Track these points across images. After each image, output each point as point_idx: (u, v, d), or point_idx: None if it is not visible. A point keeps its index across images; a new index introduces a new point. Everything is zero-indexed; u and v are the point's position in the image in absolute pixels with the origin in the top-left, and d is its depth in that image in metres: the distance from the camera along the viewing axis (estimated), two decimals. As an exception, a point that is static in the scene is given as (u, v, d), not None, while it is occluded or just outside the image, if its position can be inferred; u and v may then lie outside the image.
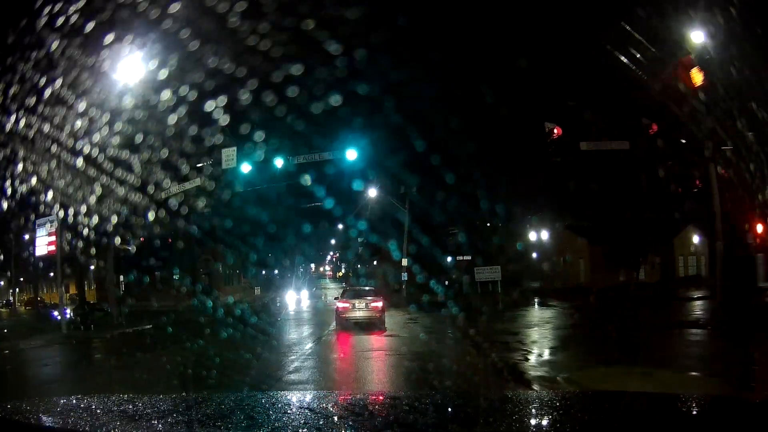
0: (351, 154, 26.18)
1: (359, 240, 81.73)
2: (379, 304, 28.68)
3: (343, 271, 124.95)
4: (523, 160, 50.56)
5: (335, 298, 33.39)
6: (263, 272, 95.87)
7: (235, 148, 26.05)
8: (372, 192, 54.17)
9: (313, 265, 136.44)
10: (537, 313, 35.50)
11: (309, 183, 36.64)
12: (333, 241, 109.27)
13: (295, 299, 63.15)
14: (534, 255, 61.06)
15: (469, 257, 53.50)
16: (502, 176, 53.53)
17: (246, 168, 27.44)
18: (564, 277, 58.69)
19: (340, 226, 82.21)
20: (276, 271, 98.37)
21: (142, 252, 51.77)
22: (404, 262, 53.24)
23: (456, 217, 56.41)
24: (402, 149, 51.77)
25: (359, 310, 28.43)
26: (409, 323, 30.46)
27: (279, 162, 27.46)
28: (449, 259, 57.97)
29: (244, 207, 51.24)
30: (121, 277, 56.42)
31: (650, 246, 52.87)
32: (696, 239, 60.50)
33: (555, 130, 22.53)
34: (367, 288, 33.95)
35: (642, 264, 53.17)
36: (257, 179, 31.91)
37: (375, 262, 77.33)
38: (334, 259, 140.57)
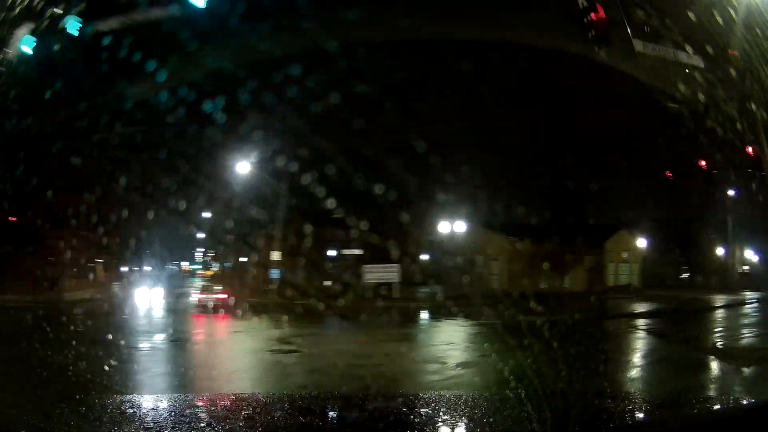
0: (199, -1, 13.93)
1: (229, 236, 72.17)
2: (224, 296, 37.29)
3: (212, 269, 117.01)
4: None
5: (197, 292, 42.09)
6: (128, 267, 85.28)
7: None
8: (244, 167, 45.41)
9: (186, 264, 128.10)
10: (465, 333, 25.93)
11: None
12: (202, 235, 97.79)
13: (148, 299, 55.18)
14: (440, 254, 52.53)
15: (360, 251, 47.18)
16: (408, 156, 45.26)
17: (27, 47, 14.16)
18: (476, 281, 51.05)
19: (208, 215, 70.94)
20: (149, 268, 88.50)
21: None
22: (275, 255, 46.90)
23: (346, 203, 47.34)
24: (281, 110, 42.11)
25: (210, 300, 36.44)
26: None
27: (71, 27, 14.09)
28: (334, 253, 51.85)
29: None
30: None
31: (582, 249, 49.22)
32: (631, 244, 56.92)
33: (596, 8, 15.96)
34: (218, 287, 42.01)
35: (571, 269, 48.67)
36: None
37: (246, 259, 66.23)
38: (205, 257, 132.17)
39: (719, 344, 21.71)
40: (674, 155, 46.22)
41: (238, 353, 19.95)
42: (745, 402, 4.46)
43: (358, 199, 43.01)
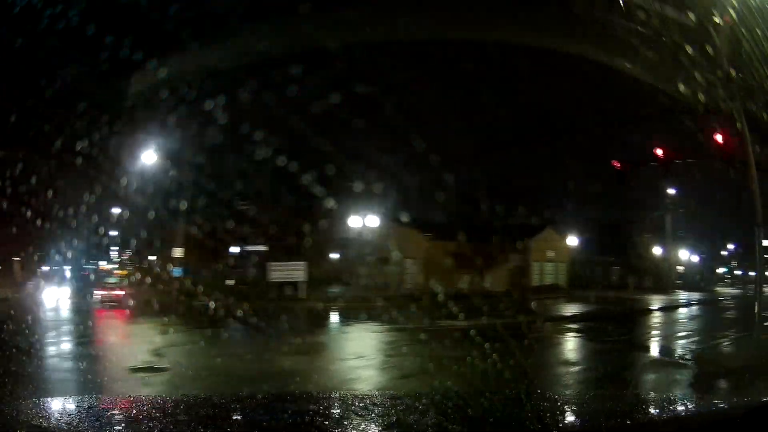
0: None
1: (140, 234, 70.45)
2: (121, 293, 37.33)
3: (128, 269, 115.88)
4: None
5: (99, 290, 42.14)
6: (49, 267, 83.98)
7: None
8: (150, 158, 41.92)
9: (104, 263, 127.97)
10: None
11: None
12: (116, 233, 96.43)
13: (55, 298, 53.23)
14: (352, 252, 51.00)
15: (264, 248, 45.12)
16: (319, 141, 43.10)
17: None
18: (390, 281, 49.58)
19: (118, 211, 69.04)
20: (67, 267, 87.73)
21: None
22: (177, 252, 44.90)
23: (253, 197, 46.86)
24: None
25: (108, 296, 37.47)
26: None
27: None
28: (241, 250, 49.88)
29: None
30: None
31: (504, 247, 47.55)
32: (559, 243, 56.06)
33: None
34: (115, 283, 41.69)
35: (492, 268, 47.15)
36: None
37: (155, 257, 66.90)
38: (121, 256, 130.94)
39: (671, 350, 20.31)
40: (622, 148, 45.41)
41: (85, 372, 15.59)
42: (744, 402, 4.19)
43: (265, 193, 43.23)
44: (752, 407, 3.82)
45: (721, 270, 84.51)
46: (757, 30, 11.42)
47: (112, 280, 44.70)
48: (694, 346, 20.93)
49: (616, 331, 25.43)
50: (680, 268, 66.99)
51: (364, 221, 46.93)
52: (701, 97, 15.24)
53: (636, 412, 4.28)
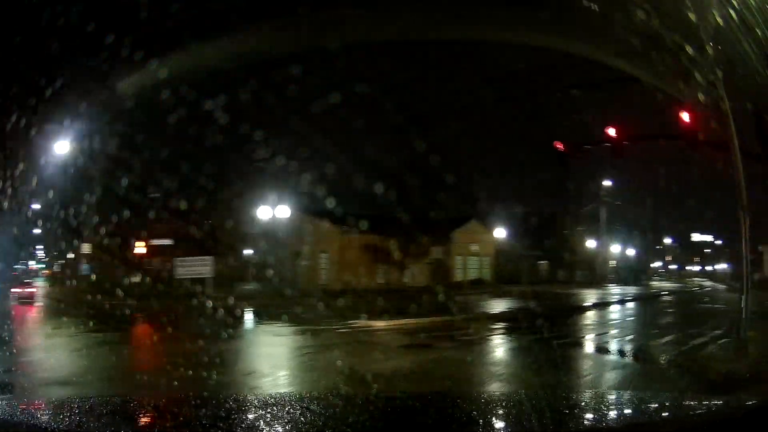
0: None
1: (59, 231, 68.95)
2: (33, 290, 41.20)
3: (53, 269, 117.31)
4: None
5: (16, 287, 41.15)
6: None
7: None
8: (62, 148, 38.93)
9: (32, 263, 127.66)
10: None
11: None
12: (38, 231, 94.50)
13: None
14: (263, 246, 48.88)
15: (170, 242, 44.56)
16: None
17: None
18: (303, 276, 47.69)
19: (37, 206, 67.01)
20: None
21: None
22: (86, 248, 45.37)
23: (163, 189, 43.04)
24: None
25: (22, 292, 38.68)
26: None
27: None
28: (153, 245, 48.45)
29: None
30: None
31: (425, 240, 46.54)
32: (484, 236, 55.28)
33: None
34: (28, 281, 44.63)
35: (412, 262, 46.64)
36: None
37: (73, 255, 65.48)
38: (47, 255, 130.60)
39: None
40: (561, 132, 44.34)
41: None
42: (744, 402, 4.32)
43: (173, 185, 39.41)
44: (752, 407, 3.89)
45: (656, 264, 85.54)
46: (757, 30, 10.72)
47: (26, 278, 47.73)
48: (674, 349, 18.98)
49: (562, 331, 22.80)
50: (613, 262, 66.95)
51: (274, 212, 45.40)
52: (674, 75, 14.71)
53: (635, 411, 4.29)
